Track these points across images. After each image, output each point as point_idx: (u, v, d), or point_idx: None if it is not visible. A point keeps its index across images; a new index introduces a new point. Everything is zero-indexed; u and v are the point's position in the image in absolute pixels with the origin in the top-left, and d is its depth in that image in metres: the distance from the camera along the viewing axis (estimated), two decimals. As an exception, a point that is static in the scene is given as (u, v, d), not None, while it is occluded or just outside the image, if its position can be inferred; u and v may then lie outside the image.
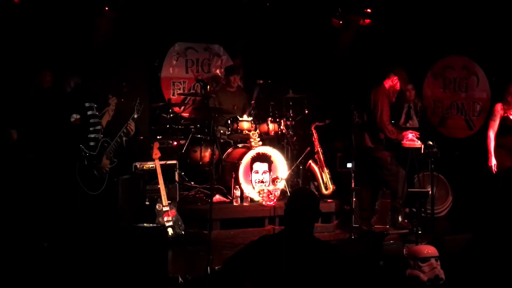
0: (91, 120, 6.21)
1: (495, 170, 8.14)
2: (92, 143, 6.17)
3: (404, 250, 6.72)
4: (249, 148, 8.97)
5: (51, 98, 7.69)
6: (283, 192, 8.79)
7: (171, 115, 9.59)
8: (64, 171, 6.15)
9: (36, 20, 8.92)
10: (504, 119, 8.05)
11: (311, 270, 4.02)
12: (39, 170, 6.68)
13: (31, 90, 8.01)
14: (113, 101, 6.80)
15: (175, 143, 9.33)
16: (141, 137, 8.99)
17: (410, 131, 8.73)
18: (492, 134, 8.17)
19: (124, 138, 6.50)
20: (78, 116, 6.14)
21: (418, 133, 8.68)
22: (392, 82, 8.73)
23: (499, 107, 8.15)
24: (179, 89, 10.87)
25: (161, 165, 7.96)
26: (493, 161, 8.14)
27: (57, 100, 7.34)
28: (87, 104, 6.20)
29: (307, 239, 4.17)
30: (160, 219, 7.67)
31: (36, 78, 8.05)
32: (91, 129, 6.19)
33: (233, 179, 8.75)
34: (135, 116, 6.89)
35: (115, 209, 6.69)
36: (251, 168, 8.86)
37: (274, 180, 8.88)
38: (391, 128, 8.61)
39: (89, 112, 6.21)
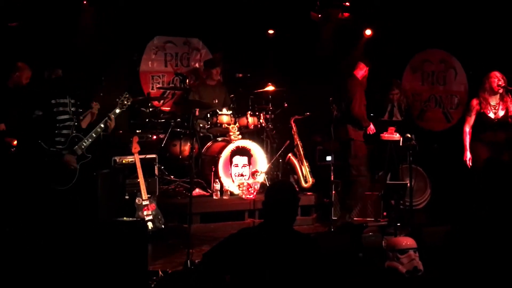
0: (59, 117, 6.12)
1: (470, 164, 8.19)
2: (60, 139, 6.10)
3: (383, 242, 6.76)
4: (229, 142, 8.97)
5: (15, 93, 7.68)
6: (262, 185, 8.81)
7: (150, 109, 9.57)
8: (26, 167, 6.11)
9: (17, 15, 8.88)
10: (480, 115, 8.10)
11: (290, 263, 4.02)
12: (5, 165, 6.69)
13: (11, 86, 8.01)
14: (96, 106, 6.68)
15: (155, 137, 9.31)
16: (120, 131, 8.96)
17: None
18: (468, 129, 8.21)
19: (101, 133, 6.38)
20: (40, 113, 6.06)
21: (394, 128, 8.80)
22: (365, 72, 8.82)
23: (475, 102, 8.20)
24: (158, 83, 10.83)
25: (141, 159, 7.94)
26: (468, 156, 8.18)
27: (20, 96, 7.31)
28: (53, 101, 6.12)
29: (287, 232, 4.18)
30: (140, 213, 7.66)
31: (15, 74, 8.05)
32: (59, 125, 6.11)
33: (212, 173, 8.76)
34: (117, 111, 6.52)
35: (93, 203, 6.63)
36: (231, 162, 8.88)
37: (253, 174, 8.90)
38: (366, 117, 8.75)
39: (56, 109, 6.12)
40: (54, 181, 5.99)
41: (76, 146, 6.13)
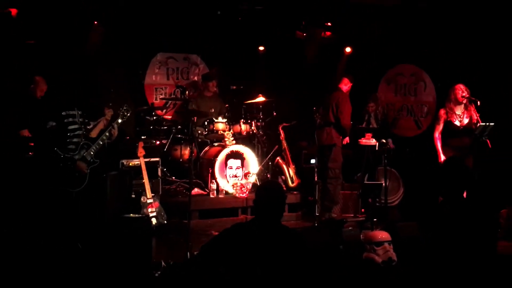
0: (70, 127, 6.14)
1: None
2: (71, 147, 6.11)
3: (361, 235, 6.77)
4: (224, 147, 8.98)
5: (31, 104, 7.69)
6: (254, 185, 8.81)
7: (154, 117, 9.57)
8: (43, 172, 6.12)
9: (32, 31, 8.89)
10: (447, 123, 8.11)
11: (279, 254, 4.03)
12: (24, 170, 6.69)
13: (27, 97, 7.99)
14: (109, 112, 6.71)
15: (158, 142, 9.28)
16: (128, 138, 8.96)
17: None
18: (437, 135, 8.19)
19: (106, 141, 6.39)
20: (54, 123, 6.08)
21: (371, 134, 8.84)
22: (349, 88, 8.80)
23: (442, 112, 8.21)
24: (161, 94, 10.82)
25: (146, 162, 7.93)
26: (442, 158, 8.20)
27: (35, 107, 7.34)
28: (63, 113, 6.13)
29: (275, 227, 4.19)
30: (145, 210, 7.65)
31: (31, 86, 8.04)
32: (70, 134, 6.13)
33: (209, 174, 8.76)
34: (119, 121, 6.58)
35: (102, 201, 6.63)
36: (226, 164, 8.88)
37: (246, 175, 8.91)
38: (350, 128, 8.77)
39: (67, 120, 6.14)
40: (68, 184, 5.99)
41: (86, 153, 6.14)
